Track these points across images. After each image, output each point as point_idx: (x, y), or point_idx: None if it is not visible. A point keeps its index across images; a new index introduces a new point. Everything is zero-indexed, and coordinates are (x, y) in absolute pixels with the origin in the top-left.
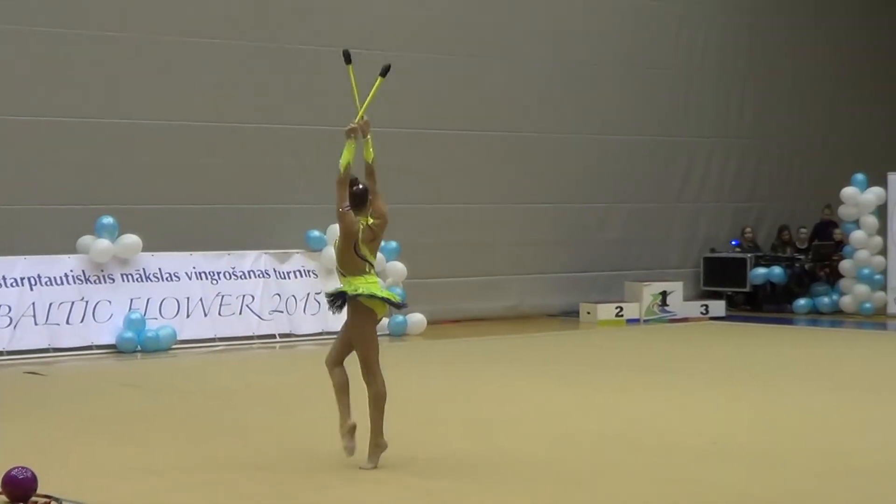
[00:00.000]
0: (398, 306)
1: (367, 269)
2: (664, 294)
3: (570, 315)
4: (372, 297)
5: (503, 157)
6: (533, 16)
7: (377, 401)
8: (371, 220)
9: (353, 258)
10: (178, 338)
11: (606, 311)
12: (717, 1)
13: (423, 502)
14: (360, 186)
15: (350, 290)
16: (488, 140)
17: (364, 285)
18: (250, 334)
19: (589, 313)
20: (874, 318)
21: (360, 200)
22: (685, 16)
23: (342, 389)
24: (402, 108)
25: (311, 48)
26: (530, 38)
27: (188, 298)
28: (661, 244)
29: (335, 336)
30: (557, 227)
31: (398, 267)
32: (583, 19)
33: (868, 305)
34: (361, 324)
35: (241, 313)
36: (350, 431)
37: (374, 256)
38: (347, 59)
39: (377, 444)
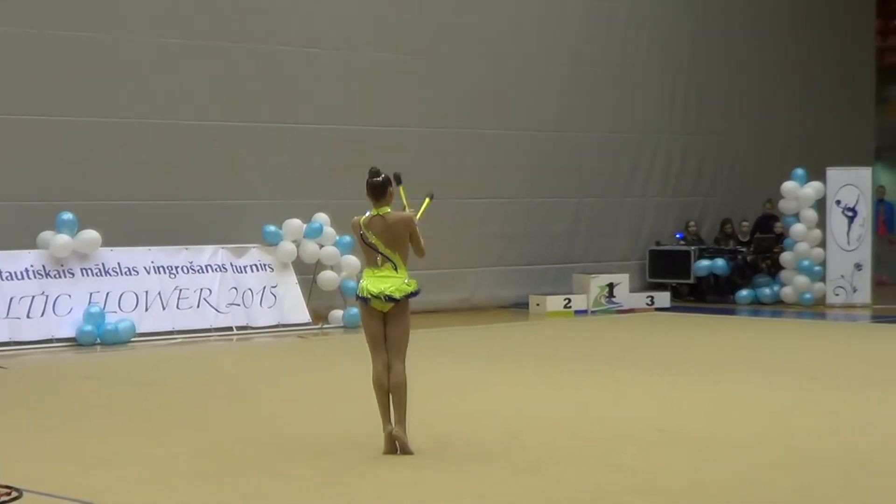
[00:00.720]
0: (363, 300)
1: (380, 262)
2: (611, 286)
3: (520, 307)
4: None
5: (455, 153)
6: (486, 17)
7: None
8: (387, 210)
9: (364, 249)
10: (137, 331)
11: (555, 302)
12: (661, 2)
13: (378, 491)
14: (377, 178)
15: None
16: (442, 137)
17: (364, 280)
18: (208, 327)
19: (538, 305)
20: (814, 309)
21: (373, 191)
22: (631, 16)
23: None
24: (358, 107)
25: (268, 47)
26: (483, 38)
27: (147, 292)
28: (608, 237)
29: (291, 328)
30: (508, 222)
31: (351, 260)
32: (534, 20)
33: (808, 296)
34: (362, 312)
35: (198, 306)
36: (388, 436)
37: (394, 250)
38: (398, 181)
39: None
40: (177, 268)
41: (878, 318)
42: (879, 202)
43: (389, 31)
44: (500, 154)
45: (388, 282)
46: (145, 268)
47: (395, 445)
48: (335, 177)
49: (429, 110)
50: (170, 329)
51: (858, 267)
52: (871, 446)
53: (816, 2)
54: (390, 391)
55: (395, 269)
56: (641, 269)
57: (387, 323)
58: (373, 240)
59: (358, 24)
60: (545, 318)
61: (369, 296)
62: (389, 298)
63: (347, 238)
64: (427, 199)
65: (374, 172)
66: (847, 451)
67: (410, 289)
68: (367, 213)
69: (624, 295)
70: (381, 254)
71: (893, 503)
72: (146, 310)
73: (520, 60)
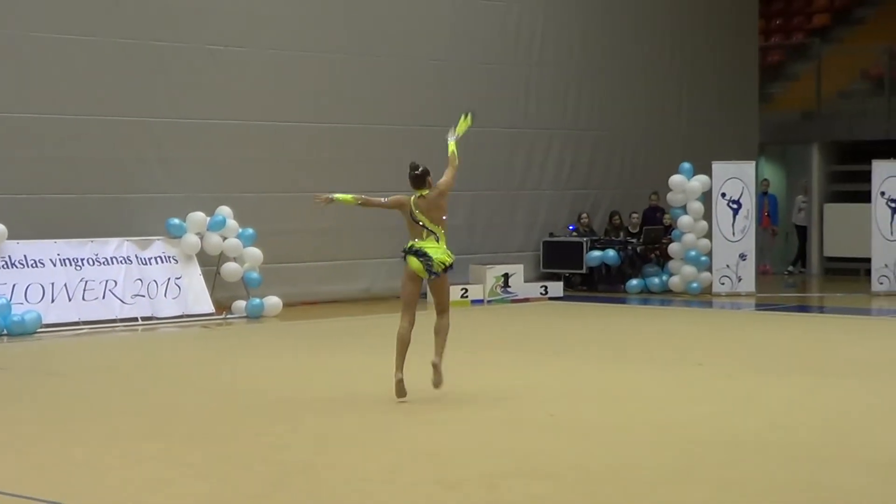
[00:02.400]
0: (430, 272)
1: (425, 235)
2: (506, 276)
3: (419, 297)
4: (411, 255)
5: (356, 148)
6: (384, 15)
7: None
8: (426, 192)
9: (410, 224)
10: (44, 322)
11: (452, 292)
12: (552, 2)
13: (278, 477)
14: (416, 171)
15: (406, 247)
16: (342, 132)
17: (416, 245)
18: (113, 318)
19: None
20: (700, 297)
21: (415, 181)
22: (523, 16)
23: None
24: (259, 102)
25: (171, 43)
26: (384, 36)
27: (53, 284)
28: (504, 229)
29: (195, 318)
30: None
31: (254, 252)
32: (429, 19)
33: (695, 285)
34: (404, 275)
35: (104, 298)
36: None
37: (436, 224)
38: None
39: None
40: (82, 260)
41: (762, 306)
42: (763, 195)
43: (289, 29)
44: (397, 148)
45: (431, 251)
46: (51, 260)
47: (404, 390)
48: (238, 171)
49: (327, 105)
50: (76, 320)
51: (743, 257)
52: (751, 428)
53: (703, 3)
54: (437, 332)
55: (437, 241)
56: (536, 260)
57: (431, 290)
58: (419, 217)
59: (258, 21)
60: None
61: (416, 253)
62: (430, 271)
63: (250, 230)
64: (464, 117)
65: (414, 166)
66: (728, 433)
67: (448, 261)
68: (412, 195)
69: (519, 285)
70: (427, 228)
71: (769, 480)
72: (52, 301)
73: (415, 59)
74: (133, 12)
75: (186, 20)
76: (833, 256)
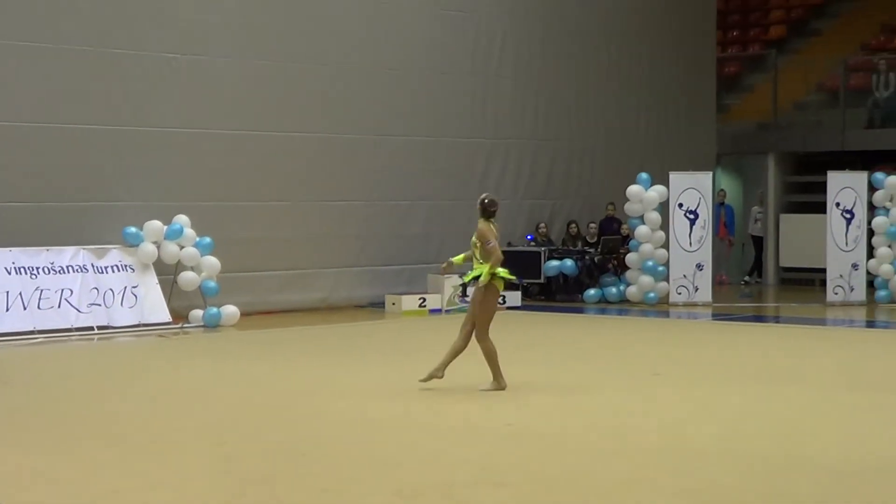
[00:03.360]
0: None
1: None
2: (464, 286)
3: (376, 306)
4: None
5: (314, 157)
6: (344, 24)
7: (485, 354)
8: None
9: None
10: None
11: (410, 301)
12: (512, 12)
13: (229, 484)
14: (497, 207)
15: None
16: (300, 141)
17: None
18: (69, 327)
19: (394, 304)
20: (658, 307)
21: (490, 213)
22: (482, 26)
23: (490, 357)
24: (217, 110)
25: (129, 52)
26: (343, 45)
27: (7, 293)
28: (462, 239)
29: (152, 328)
30: (364, 224)
31: (212, 261)
32: (389, 28)
33: (652, 295)
34: (480, 296)
35: (59, 307)
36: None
37: (475, 249)
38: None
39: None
40: (38, 268)
41: (718, 316)
42: (720, 205)
43: (247, 37)
44: (355, 157)
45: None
46: (6, 268)
47: (430, 378)
48: (195, 179)
49: (285, 114)
50: (31, 329)
51: (699, 267)
52: (707, 437)
53: (661, 13)
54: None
55: (481, 263)
56: None
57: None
58: (473, 240)
59: (216, 29)
60: (401, 317)
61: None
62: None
63: (207, 239)
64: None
65: (494, 203)
66: (684, 441)
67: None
68: (490, 223)
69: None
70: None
71: (725, 488)
72: (7, 310)
73: (374, 68)
74: (89, 20)
75: (143, 28)
76: (789, 267)
